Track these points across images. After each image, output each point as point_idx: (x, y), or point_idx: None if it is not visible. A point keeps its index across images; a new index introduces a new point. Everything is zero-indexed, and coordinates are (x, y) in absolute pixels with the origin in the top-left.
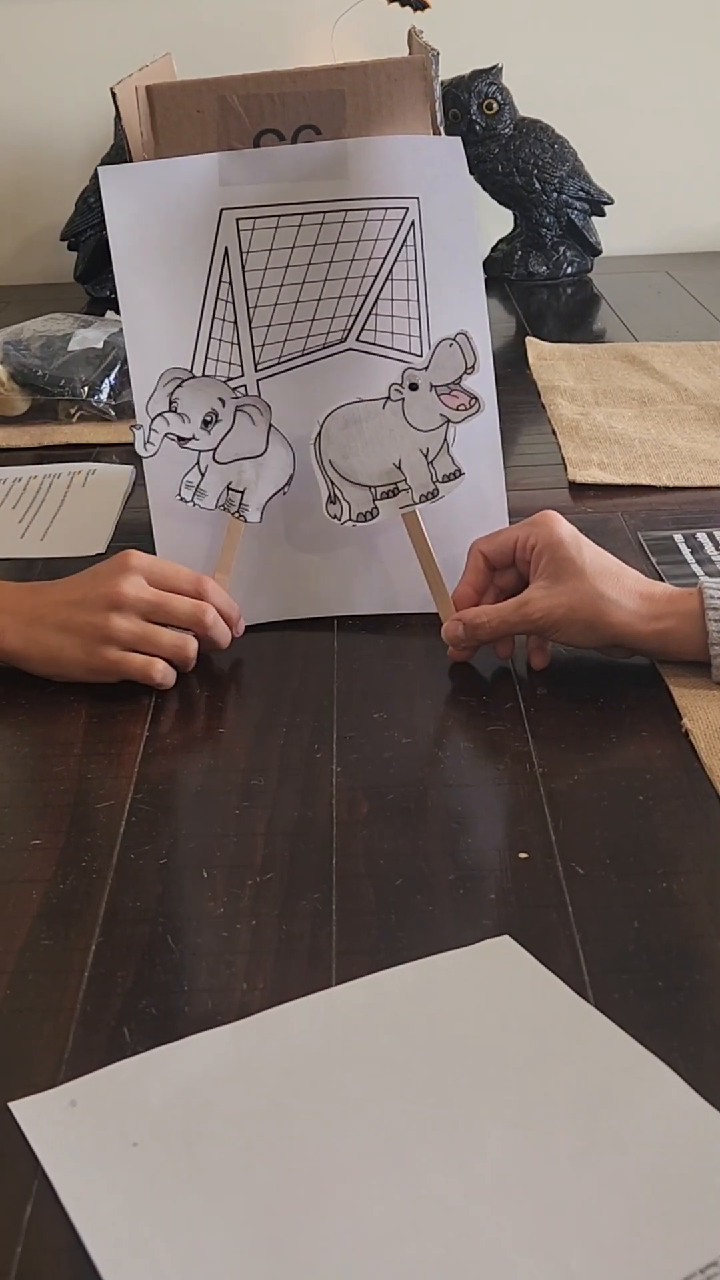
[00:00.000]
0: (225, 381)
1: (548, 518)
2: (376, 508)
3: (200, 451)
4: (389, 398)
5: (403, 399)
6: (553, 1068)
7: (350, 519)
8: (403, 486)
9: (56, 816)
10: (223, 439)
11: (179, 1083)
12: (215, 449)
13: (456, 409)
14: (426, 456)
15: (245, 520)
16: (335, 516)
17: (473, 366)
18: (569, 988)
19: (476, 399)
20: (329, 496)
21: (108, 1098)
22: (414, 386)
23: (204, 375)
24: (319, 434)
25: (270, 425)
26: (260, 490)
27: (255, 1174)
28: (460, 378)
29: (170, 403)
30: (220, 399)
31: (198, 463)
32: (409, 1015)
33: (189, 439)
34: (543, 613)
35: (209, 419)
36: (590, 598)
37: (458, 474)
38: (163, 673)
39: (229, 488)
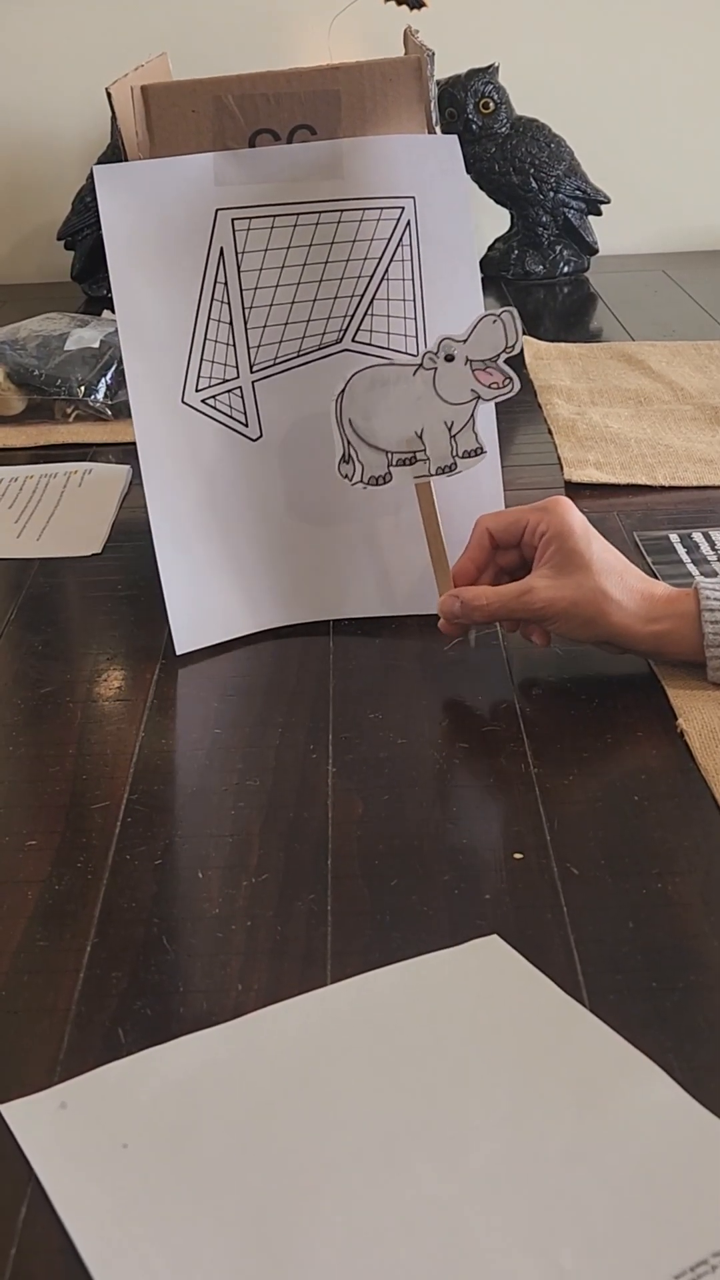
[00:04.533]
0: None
1: (560, 504)
2: (390, 473)
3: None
4: (421, 365)
5: (435, 369)
6: (541, 1065)
7: (361, 481)
8: (420, 456)
9: (52, 817)
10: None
11: (169, 1084)
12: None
13: (489, 386)
14: (450, 429)
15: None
16: (346, 476)
17: (513, 346)
18: (556, 986)
19: (511, 379)
20: (343, 455)
21: (98, 1099)
22: (450, 358)
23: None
24: (343, 391)
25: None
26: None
27: (246, 1174)
28: (499, 355)
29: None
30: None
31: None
32: (397, 1015)
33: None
34: (544, 603)
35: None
36: (593, 595)
37: (479, 451)
38: None
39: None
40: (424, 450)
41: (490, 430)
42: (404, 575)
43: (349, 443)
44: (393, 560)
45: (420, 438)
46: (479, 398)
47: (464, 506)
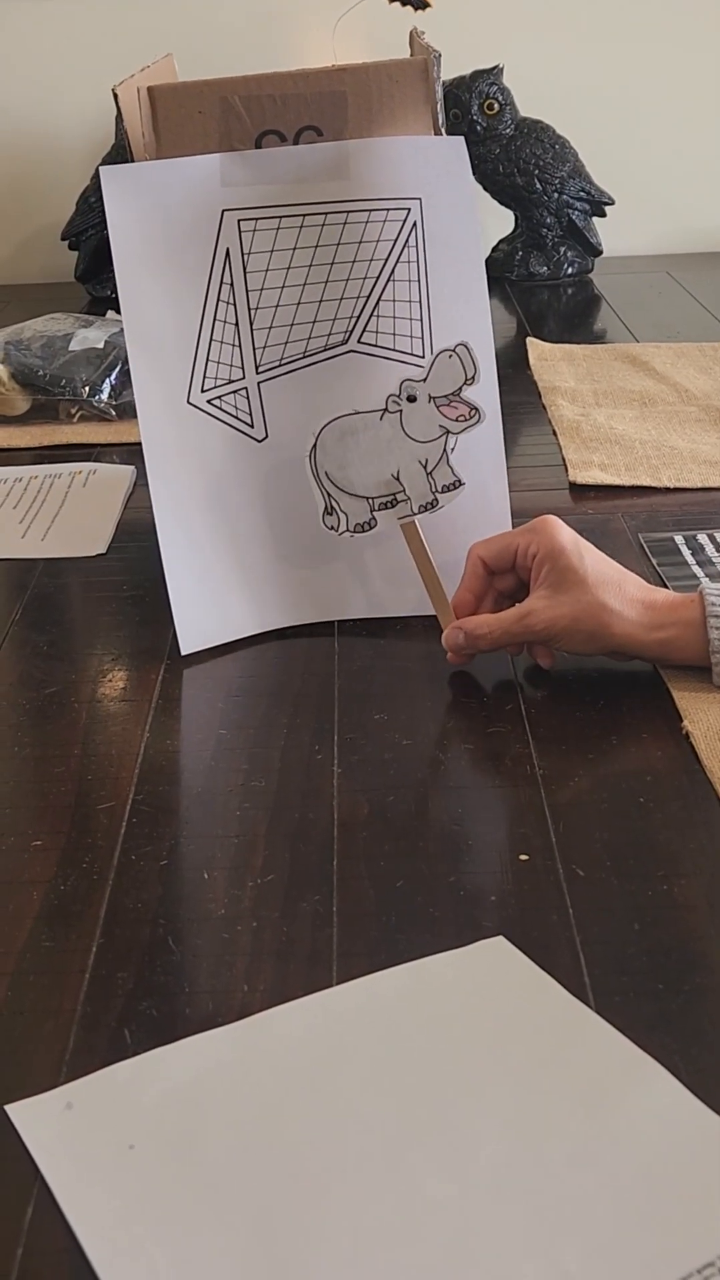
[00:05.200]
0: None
1: (548, 524)
2: (374, 518)
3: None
4: (386, 409)
5: (400, 410)
6: (547, 1067)
7: (348, 530)
8: (401, 497)
9: (57, 817)
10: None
11: (175, 1085)
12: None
13: (456, 420)
14: (425, 467)
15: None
16: (332, 528)
17: (472, 378)
18: (562, 987)
19: (477, 410)
20: (325, 508)
21: (104, 1100)
22: (412, 398)
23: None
24: (315, 445)
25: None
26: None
27: (251, 1175)
28: (460, 389)
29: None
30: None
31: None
32: (403, 1016)
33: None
34: (545, 624)
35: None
36: (593, 609)
37: (457, 484)
38: None
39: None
40: (403, 491)
41: (496, 444)
42: (409, 576)
43: (329, 494)
44: (397, 561)
45: (398, 479)
46: (448, 432)
47: (472, 517)
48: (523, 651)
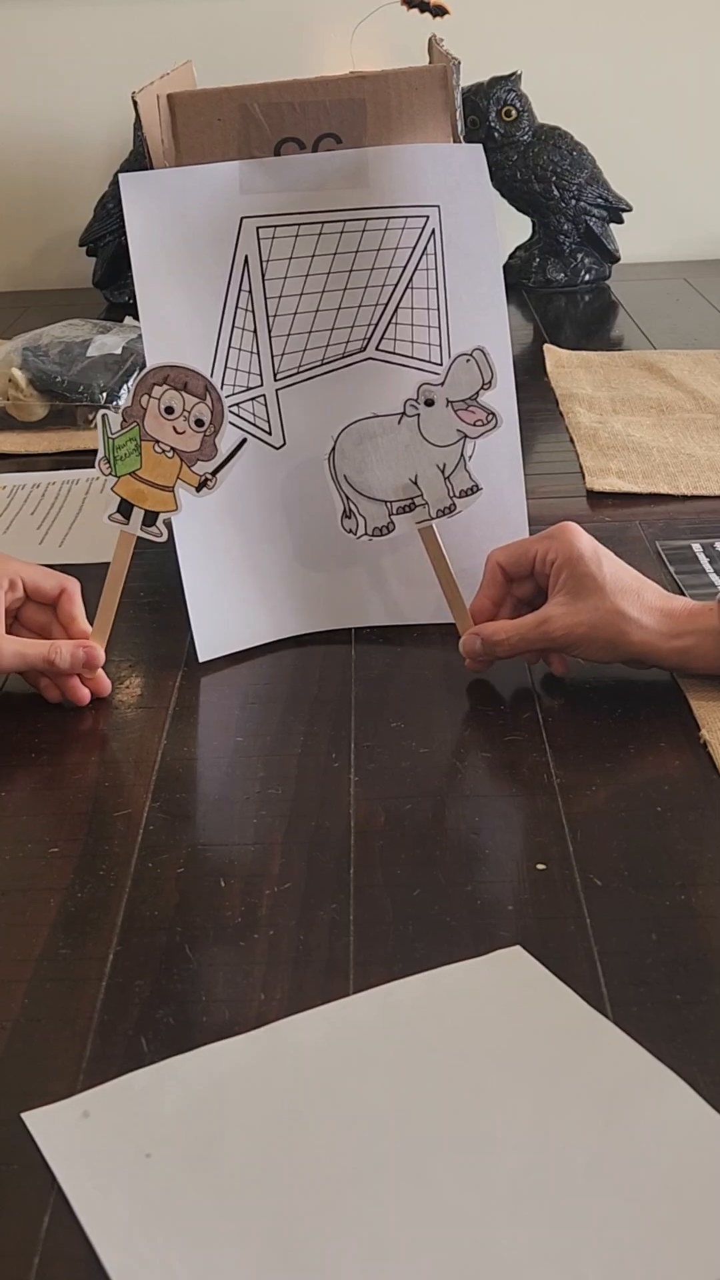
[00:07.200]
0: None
1: (567, 530)
2: (393, 522)
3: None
4: (405, 413)
5: (418, 415)
6: (565, 1077)
7: (366, 533)
8: (419, 502)
9: (74, 824)
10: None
11: (192, 1093)
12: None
13: (474, 425)
14: (443, 472)
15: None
16: (350, 531)
17: (490, 382)
18: (580, 997)
19: (494, 415)
20: (344, 511)
21: (121, 1108)
22: (430, 402)
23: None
24: (333, 449)
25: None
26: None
27: (269, 1184)
28: (477, 393)
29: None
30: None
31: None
32: (421, 1025)
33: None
34: (563, 631)
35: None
36: (611, 616)
37: (475, 489)
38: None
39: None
40: (421, 495)
41: (513, 451)
42: (426, 584)
43: (347, 498)
44: (415, 569)
45: (415, 484)
46: (466, 437)
47: (488, 523)
48: (540, 659)
